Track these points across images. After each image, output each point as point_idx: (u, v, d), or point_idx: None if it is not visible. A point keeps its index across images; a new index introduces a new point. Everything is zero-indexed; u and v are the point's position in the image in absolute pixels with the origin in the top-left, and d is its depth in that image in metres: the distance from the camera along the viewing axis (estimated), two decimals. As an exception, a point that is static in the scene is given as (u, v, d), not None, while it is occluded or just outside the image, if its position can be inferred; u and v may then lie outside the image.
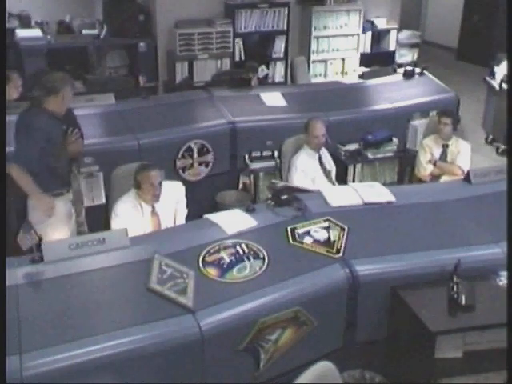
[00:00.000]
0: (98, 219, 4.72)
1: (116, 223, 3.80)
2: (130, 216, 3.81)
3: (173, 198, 4.02)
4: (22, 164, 3.81)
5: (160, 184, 3.84)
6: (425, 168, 4.99)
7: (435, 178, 4.98)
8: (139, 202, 3.86)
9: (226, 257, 3.24)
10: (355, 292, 3.23)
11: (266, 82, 7.18)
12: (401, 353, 3.28)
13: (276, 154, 5.18)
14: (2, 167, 3.66)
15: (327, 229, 3.52)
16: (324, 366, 2.44)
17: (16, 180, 3.82)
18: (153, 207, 3.88)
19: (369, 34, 8.22)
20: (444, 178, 4.94)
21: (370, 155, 5.48)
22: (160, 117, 5.27)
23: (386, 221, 3.70)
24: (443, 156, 5.02)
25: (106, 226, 4.07)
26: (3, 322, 2.51)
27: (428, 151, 5.01)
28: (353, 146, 5.49)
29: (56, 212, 3.93)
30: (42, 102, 3.91)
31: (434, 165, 4.98)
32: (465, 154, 5.02)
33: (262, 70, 7.38)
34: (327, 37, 7.91)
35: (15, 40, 6.64)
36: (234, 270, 3.15)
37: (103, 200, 4.63)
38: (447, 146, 5.02)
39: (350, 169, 5.43)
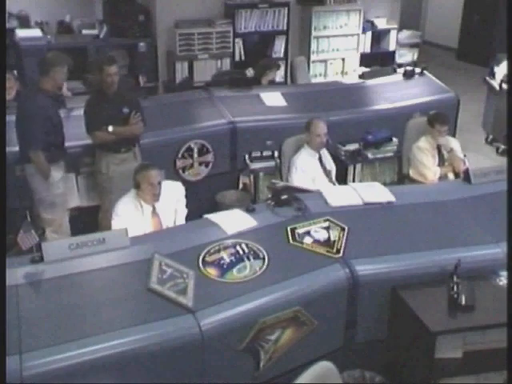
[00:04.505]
0: (97, 219, 4.74)
1: (117, 223, 3.79)
2: (131, 216, 3.80)
3: (173, 198, 4.02)
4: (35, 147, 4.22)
5: (159, 183, 3.84)
6: (434, 172, 4.90)
7: (442, 178, 4.94)
8: (139, 202, 3.86)
9: (226, 257, 3.23)
10: (355, 292, 3.23)
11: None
12: (401, 353, 3.28)
13: (276, 153, 5.18)
14: (2, 167, 3.66)
15: (327, 229, 3.52)
16: (324, 366, 2.44)
17: (37, 165, 4.27)
18: (153, 207, 3.88)
19: (369, 34, 8.22)
20: (450, 176, 4.95)
21: (370, 155, 5.48)
22: (160, 117, 5.27)
23: (385, 221, 3.70)
24: (441, 156, 5.00)
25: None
26: (3, 322, 2.51)
27: (429, 154, 4.96)
28: (353, 146, 5.49)
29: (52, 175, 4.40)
30: (38, 83, 4.34)
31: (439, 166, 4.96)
32: (458, 148, 5.05)
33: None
34: (327, 37, 7.91)
35: (15, 40, 6.64)
36: (234, 270, 3.15)
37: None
38: (441, 145, 5.00)
39: (350, 169, 5.43)
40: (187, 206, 4.13)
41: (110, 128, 4.51)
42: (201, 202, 4.84)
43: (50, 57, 4.38)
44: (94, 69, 4.72)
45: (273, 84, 6.35)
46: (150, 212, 3.88)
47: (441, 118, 4.96)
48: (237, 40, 7.30)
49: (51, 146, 4.33)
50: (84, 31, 7.14)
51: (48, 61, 4.32)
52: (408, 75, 6.42)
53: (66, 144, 4.55)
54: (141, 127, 4.67)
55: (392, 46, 8.53)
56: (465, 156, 5.08)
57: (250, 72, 6.59)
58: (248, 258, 3.23)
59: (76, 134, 4.62)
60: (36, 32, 6.87)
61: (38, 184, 4.39)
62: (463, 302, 3.09)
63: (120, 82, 4.69)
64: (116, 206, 3.88)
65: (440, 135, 4.91)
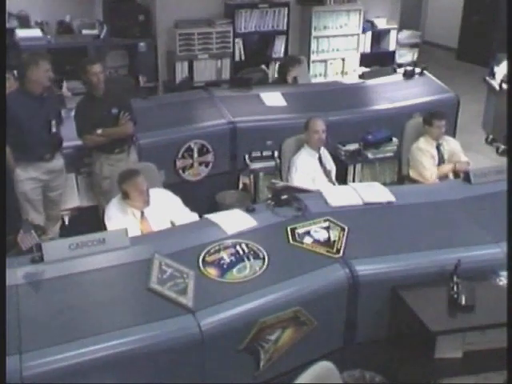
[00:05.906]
0: (96, 219, 4.73)
1: (109, 226, 3.78)
2: (121, 220, 3.78)
3: (162, 205, 3.95)
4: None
5: (147, 189, 3.83)
6: (432, 173, 4.89)
7: (443, 177, 4.94)
8: (128, 207, 3.84)
9: (226, 257, 3.24)
10: (355, 292, 3.23)
11: (266, 82, 7.15)
12: (401, 353, 3.28)
13: (276, 153, 5.18)
14: (2, 167, 3.67)
15: (327, 229, 3.52)
16: (324, 366, 2.44)
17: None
18: (142, 212, 3.86)
19: (369, 34, 8.21)
20: (450, 176, 4.96)
21: (370, 155, 5.48)
22: (160, 117, 5.27)
23: (385, 221, 3.70)
24: (440, 156, 5.00)
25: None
26: (3, 322, 2.51)
27: (429, 155, 4.95)
28: (353, 146, 5.49)
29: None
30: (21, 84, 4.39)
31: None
32: (460, 148, 5.08)
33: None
34: (327, 37, 7.90)
35: (15, 40, 6.63)
36: (234, 270, 3.15)
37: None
38: (440, 145, 5.00)
39: (350, 169, 5.43)
40: (187, 206, 4.11)
41: (99, 131, 4.51)
42: (201, 202, 4.83)
43: (24, 58, 4.41)
44: (80, 73, 4.69)
45: (296, 81, 6.33)
46: (138, 216, 3.86)
47: (437, 113, 4.99)
48: (237, 40, 7.30)
49: (17, 146, 4.28)
50: (84, 31, 7.13)
51: (22, 62, 4.36)
52: (408, 75, 6.42)
53: (65, 144, 4.55)
54: (131, 127, 4.66)
55: (392, 46, 8.52)
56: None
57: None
58: (248, 258, 3.24)
59: (75, 134, 4.62)
60: (36, 32, 6.86)
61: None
62: (463, 302, 3.09)
63: (109, 81, 4.68)
64: (107, 209, 3.87)
65: (439, 131, 4.92)
